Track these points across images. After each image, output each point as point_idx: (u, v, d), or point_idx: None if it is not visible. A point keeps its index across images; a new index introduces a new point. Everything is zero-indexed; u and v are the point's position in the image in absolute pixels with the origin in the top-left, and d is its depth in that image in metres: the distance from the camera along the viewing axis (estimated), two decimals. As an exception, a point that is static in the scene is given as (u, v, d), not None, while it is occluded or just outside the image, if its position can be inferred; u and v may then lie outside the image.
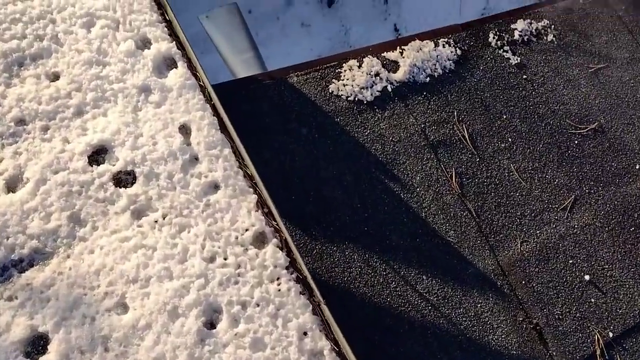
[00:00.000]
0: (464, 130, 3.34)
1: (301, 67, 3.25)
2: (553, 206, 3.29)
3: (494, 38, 3.74)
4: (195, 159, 1.98)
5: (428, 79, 3.43)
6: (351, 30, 7.39)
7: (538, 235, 3.19)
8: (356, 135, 3.13)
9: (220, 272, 1.83)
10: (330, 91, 3.20)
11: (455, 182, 3.18)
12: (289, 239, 1.86)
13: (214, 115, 2.03)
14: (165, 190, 1.92)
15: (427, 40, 3.55)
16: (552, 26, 3.89)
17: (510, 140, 3.41)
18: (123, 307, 1.75)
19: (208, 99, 2.05)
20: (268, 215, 1.90)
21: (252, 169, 1.92)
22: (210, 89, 2.03)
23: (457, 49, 3.60)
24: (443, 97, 3.41)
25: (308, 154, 2.98)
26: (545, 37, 3.86)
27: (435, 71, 3.47)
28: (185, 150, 1.97)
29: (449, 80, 3.48)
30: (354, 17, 7.43)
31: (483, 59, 3.63)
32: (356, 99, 3.22)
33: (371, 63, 3.34)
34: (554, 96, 3.64)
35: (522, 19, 3.88)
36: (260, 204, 1.93)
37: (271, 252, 1.86)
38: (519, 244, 3.13)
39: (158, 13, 2.20)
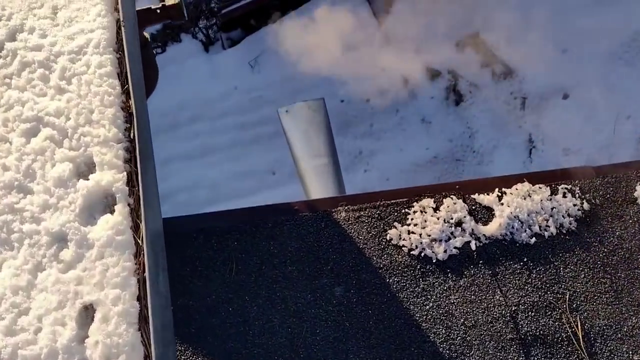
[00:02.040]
0: (576, 325, 2.30)
1: (357, 199, 2.47)
2: None
3: (643, 192, 2.68)
4: (83, 370, 1.27)
5: (533, 239, 2.46)
6: (477, 134, 6.49)
7: None
8: (412, 307, 2.24)
9: None
10: (389, 238, 2.37)
11: (549, 405, 2.13)
12: None
13: (137, 301, 1.32)
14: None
15: (542, 185, 2.60)
16: None
17: (649, 350, 2.29)
18: None
19: (140, 270, 1.36)
20: None
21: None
22: (147, 254, 1.34)
23: (583, 201, 2.59)
24: (552, 270, 2.41)
25: (334, 326, 2.15)
26: None
27: (545, 229, 2.49)
28: (73, 351, 1.28)
29: (566, 245, 2.47)
30: (482, 120, 6.54)
31: (622, 220, 2.58)
32: (423, 254, 2.35)
33: (454, 207, 2.46)
34: None
35: (690, 170, 2.77)
36: None
37: None
38: None
39: (122, 128, 1.59)
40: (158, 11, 2.30)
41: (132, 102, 1.61)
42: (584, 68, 6.08)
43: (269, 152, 6.90)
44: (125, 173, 1.51)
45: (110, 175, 1.48)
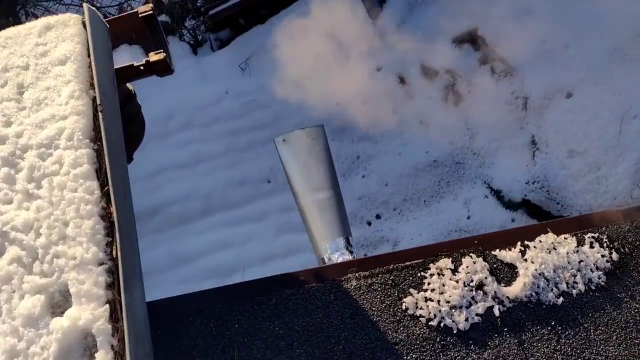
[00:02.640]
0: (610, 396, 2.12)
1: (368, 263, 2.26)
2: None
3: (674, 237, 2.48)
4: None
5: (561, 299, 2.26)
6: (478, 136, 6.29)
7: None
8: (433, 387, 2.05)
9: None
10: (404, 308, 2.17)
11: None
12: None
13: None
14: None
15: (567, 235, 2.40)
16: None
17: (689, 420, 2.12)
18: None
19: None
20: None
21: None
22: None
23: (612, 251, 2.39)
24: (582, 334, 2.22)
25: (351, 415, 1.96)
26: None
27: (573, 287, 2.29)
28: None
29: (595, 303, 2.28)
30: (483, 121, 6.32)
31: (654, 270, 2.39)
32: (442, 324, 2.15)
33: (473, 267, 2.26)
34: None
35: None
36: None
37: None
38: None
39: (102, 244, 1.36)
40: (141, 67, 2.06)
41: (113, 208, 1.38)
42: (587, 65, 5.86)
43: (264, 159, 6.67)
44: (107, 306, 1.28)
45: (89, 312, 1.26)
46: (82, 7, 1.83)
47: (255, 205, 6.52)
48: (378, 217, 6.38)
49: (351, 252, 3.19)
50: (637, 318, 2.28)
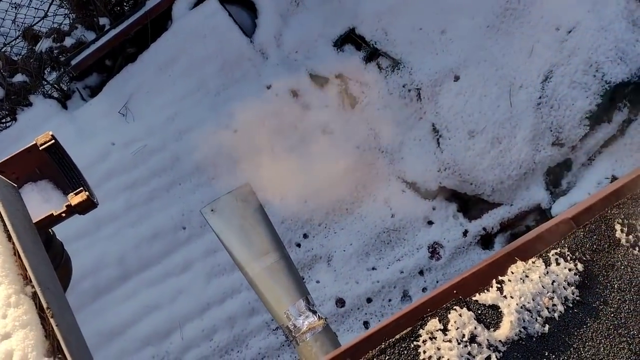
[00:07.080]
0: (616, 410, 2.17)
1: (359, 348, 2.13)
2: None
3: (622, 231, 2.59)
4: None
5: (547, 326, 2.28)
6: (381, 133, 6.32)
7: None
8: None
9: None
10: (409, 386, 2.07)
11: None
12: None
13: None
14: None
15: (534, 259, 2.42)
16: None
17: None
18: None
19: None
20: None
21: None
22: None
23: (576, 262, 2.45)
24: (574, 355, 2.25)
25: None
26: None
27: (554, 310, 2.32)
28: None
29: (577, 320, 2.32)
30: (383, 118, 6.37)
31: (615, 269, 2.48)
32: (449, 391, 2.08)
33: (461, 320, 2.21)
34: None
35: (652, 190, 2.73)
36: None
37: None
38: None
39: None
40: (63, 214, 1.75)
41: None
42: (466, 46, 6.07)
43: (172, 206, 6.29)
44: None
45: None
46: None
47: (175, 257, 6.15)
48: (305, 236, 6.26)
49: (314, 312, 3.05)
50: (615, 322, 2.35)
